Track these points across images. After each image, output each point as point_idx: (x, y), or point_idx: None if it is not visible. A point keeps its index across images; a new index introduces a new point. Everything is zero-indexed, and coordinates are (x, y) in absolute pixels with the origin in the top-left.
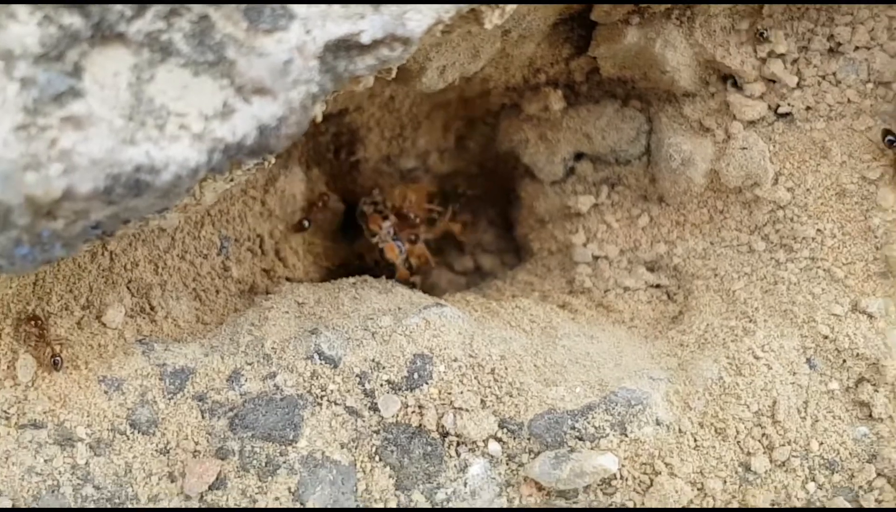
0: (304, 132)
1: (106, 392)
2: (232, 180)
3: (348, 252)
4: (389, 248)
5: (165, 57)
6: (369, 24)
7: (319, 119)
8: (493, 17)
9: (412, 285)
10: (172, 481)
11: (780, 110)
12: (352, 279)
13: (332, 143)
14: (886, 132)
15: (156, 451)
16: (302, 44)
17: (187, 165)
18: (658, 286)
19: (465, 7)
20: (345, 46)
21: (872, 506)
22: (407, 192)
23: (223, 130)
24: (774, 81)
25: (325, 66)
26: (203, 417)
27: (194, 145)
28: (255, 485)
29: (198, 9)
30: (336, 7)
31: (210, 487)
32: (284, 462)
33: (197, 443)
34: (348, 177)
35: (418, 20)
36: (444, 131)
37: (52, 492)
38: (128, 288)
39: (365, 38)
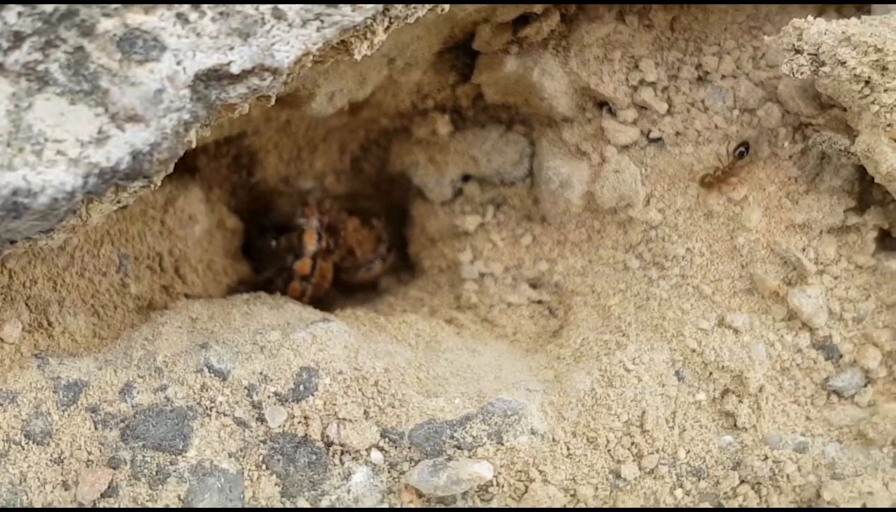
0: (205, 155)
1: (1, 404)
2: (119, 202)
3: (248, 270)
4: (310, 234)
5: (43, 86)
6: (238, 54)
7: (195, 144)
8: (362, 49)
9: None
10: (66, 489)
11: (652, 135)
12: (245, 295)
13: (232, 165)
14: (741, 145)
15: (50, 460)
16: (173, 74)
17: (64, 189)
18: (540, 302)
19: (333, 39)
20: (215, 76)
21: None
22: (360, 230)
23: (98, 156)
24: (646, 108)
25: (196, 94)
26: (96, 428)
27: (70, 170)
28: (146, 493)
29: (73, 41)
30: (206, 39)
31: (102, 495)
32: (174, 471)
33: (90, 453)
34: (248, 197)
35: (286, 51)
36: (340, 153)
37: None
38: (26, 304)
39: (234, 69)
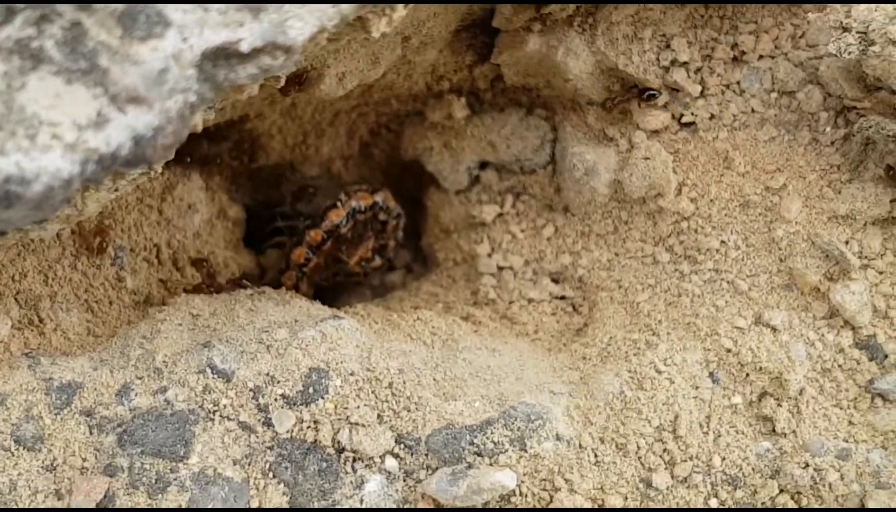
0: (206, 140)
1: None
2: (117, 190)
3: (251, 262)
4: (337, 212)
5: (37, 64)
6: (248, 32)
7: (200, 128)
8: (381, 26)
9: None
10: (59, 499)
11: (684, 120)
12: (249, 291)
13: (233, 150)
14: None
15: (42, 467)
16: (178, 52)
17: (60, 176)
18: (563, 298)
19: (350, 15)
20: (224, 55)
21: None
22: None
23: (97, 141)
24: (678, 90)
25: (203, 74)
26: (91, 433)
27: (67, 156)
28: (145, 502)
29: (70, 15)
30: (214, 14)
31: (98, 505)
32: (175, 479)
33: (84, 459)
34: (250, 185)
35: (300, 28)
36: (349, 138)
37: None
38: (15, 299)
39: (244, 47)
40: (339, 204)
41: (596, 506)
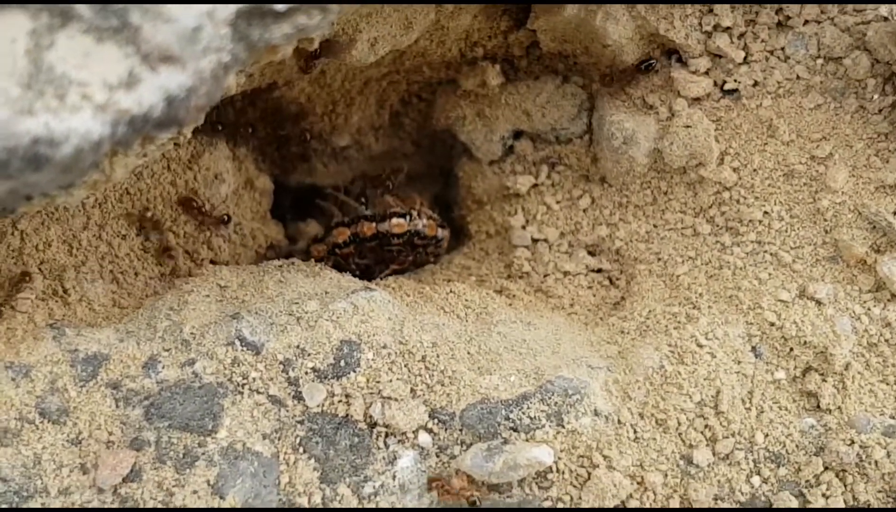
0: (232, 107)
1: (13, 379)
2: (145, 155)
3: (278, 233)
4: (341, 232)
5: (66, 22)
6: None
7: (233, 91)
8: None
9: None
10: (84, 473)
11: (726, 87)
12: (278, 262)
13: (260, 119)
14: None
15: (67, 441)
16: (212, 9)
17: (90, 138)
18: (599, 271)
19: None
20: (259, 13)
21: (820, 500)
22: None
23: (128, 101)
24: (720, 56)
25: (237, 33)
26: (117, 406)
27: (97, 117)
28: (172, 477)
29: None
30: None
31: (124, 480)
32: (203, 454)
33: (111, 433)
34: (277, 154)
35: None
36: (379, 107)
37: None
38: (39, 269)
39: (280, 5)
40: (343, 223)
41: (635, 483)
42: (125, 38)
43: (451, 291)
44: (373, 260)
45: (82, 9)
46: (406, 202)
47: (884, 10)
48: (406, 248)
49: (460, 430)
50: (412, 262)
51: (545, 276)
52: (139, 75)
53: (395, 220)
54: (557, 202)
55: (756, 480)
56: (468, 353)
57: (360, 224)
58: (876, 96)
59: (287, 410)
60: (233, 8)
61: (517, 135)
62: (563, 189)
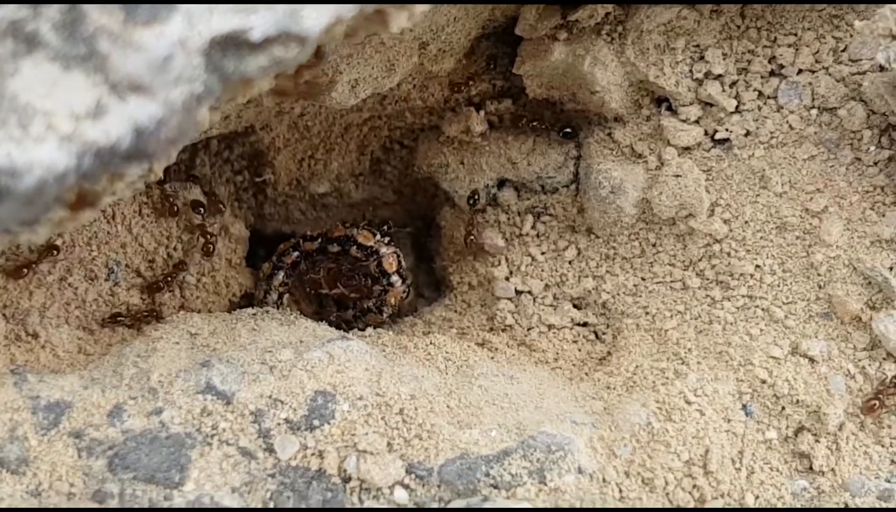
0: (207, 152)
1: None
2: (114, 193)
3: (253, 282)
4: (388, 258)
5: (31, 49)
6: (261, 19)
7: (206, 126)
8: (401, 20)
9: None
10: None
11: (718, 136)
12: (252, 309)
13: (237, 164)
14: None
15: (26, 492)
16: (184, 38)
17: (54, 169)
18: (585, 324)
19: (369, 7)
20: (233, 43)
21: None
22: None
23: (95, 132)
24: (711, 105)
25: (211, 64)
26: (79, 456)
27: (62, 147)
28: None
29: None
30: None
31: None
32: (169, 507)
33: (72, 484)
34: (254, 201)
35: (315, 17)
36: (360, 153)
37: None
38: (2, 313)
39: (256, 35)
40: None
41: None
42: (93, 66)
43: (431, 343)
44: (320, 279)
45: (48, 35)
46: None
47: (880, 58)
48: (344, 262)
49: (438, 486)
50: (356, 291)
51: (529, 329)
52: (107, 105)
53: (337, 228)
54: (542, 253)
55: None
56: (448, 406)
57: (303, 241)
58: (872, 148)
59: (258, 463)
60: (206, 37)
61: (501, 183)
62: (548, 240)
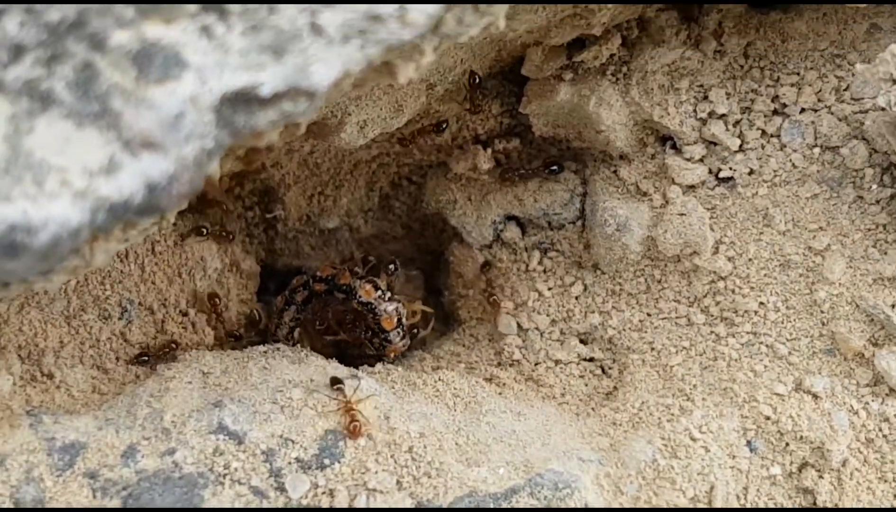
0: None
1: None
2: (127, 240)
3: (264, 318)
4: (387, 316)
5: (46, 107)
6: (270, 75)
7: (217, 177)
8: (408, 71)
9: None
10: None
11: (721, 174)
12: (262, 348)
13: (247, 200)
14: None
15: None
16: (196, 95)
17: (68, 225)
18: (591, 359)
19: (376, 59)
20: (244, 99)
21: None
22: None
23: (108, 188)
24: (715, 144)
25: (222, 120)
26: (94, 497)
27: (76, 203)
28: None
29: (82, 55)
30: (234, 56)
31: None
32: None
33: None
34: (264, 237)
35: (324, 72)
36: (368, 190)
37: None
38: (18, 354)
39: (265, 91)
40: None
41: None
42: (106, 124)
43: (439, 379)
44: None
45: (63, 94)
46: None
47: (881, 102)
48: (329, 300)
49: None
50: (358, 340)
51: (536, 364)
52: (120, 162)
53: (343, 274)
54: (549, 289)
55: None
56: (456, 444)
57: (343, 270)
58: (874, 187)
59: (269, 502)
60: (217, 94)
61: (508, 219)
62: (554, 275)
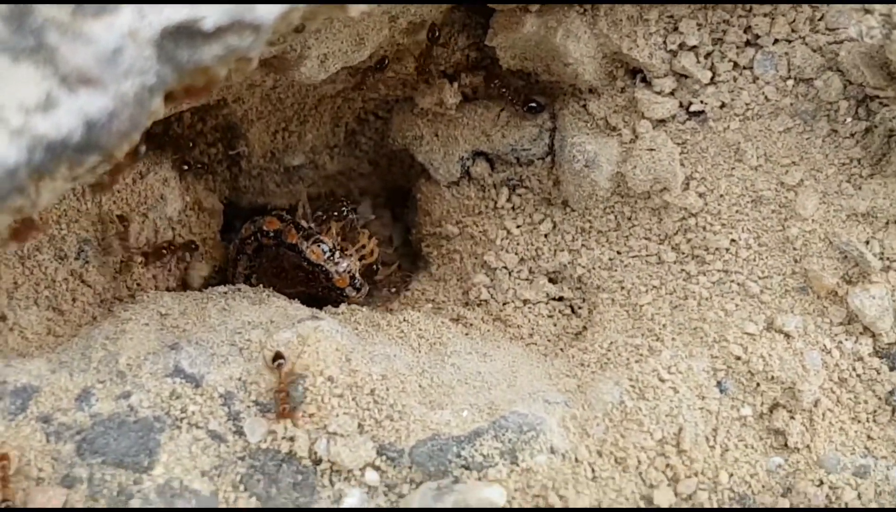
0: (179, 125)
1: None
2: (75, 179)
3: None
4: (339, 277)
5: None
6: (212, 9)
7: (161, 115)
8: (360, 4)
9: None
10: None
11: (692, 108)
12: (223, 288)
13: (209, 137)
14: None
15: None
16: (135, 29)
17: (5, 164)
18: (560, 299)
19: None
20: (186, 33)
21: None
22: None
23: (46, 125)
24: (686, 77)
25: (163, 55)
26: (48, 441)
27: (13, 142)
28: None
29: None
30: None
31: None
32: (138, 491)
33: (41, 469)
34: (228, 174)
35: (269, 6)
36: (334, 126)
37: None
38: None
39: (208, 25)
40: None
41: None
42: (42, 59)
43: (404, 320)
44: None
45: None
46: (349, 239)
47: (853, 32)
48: (280, 252)
49: (409, 467)
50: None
51: (504, 304)
52: (57, 98)
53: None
54: (518, 227)
55: None
56: (420, 386)
57: (288, 227)
58: (848, 120)
59: (227, 446)
60: (157, 28)
61: (476, 155)
62: (523, 213)
